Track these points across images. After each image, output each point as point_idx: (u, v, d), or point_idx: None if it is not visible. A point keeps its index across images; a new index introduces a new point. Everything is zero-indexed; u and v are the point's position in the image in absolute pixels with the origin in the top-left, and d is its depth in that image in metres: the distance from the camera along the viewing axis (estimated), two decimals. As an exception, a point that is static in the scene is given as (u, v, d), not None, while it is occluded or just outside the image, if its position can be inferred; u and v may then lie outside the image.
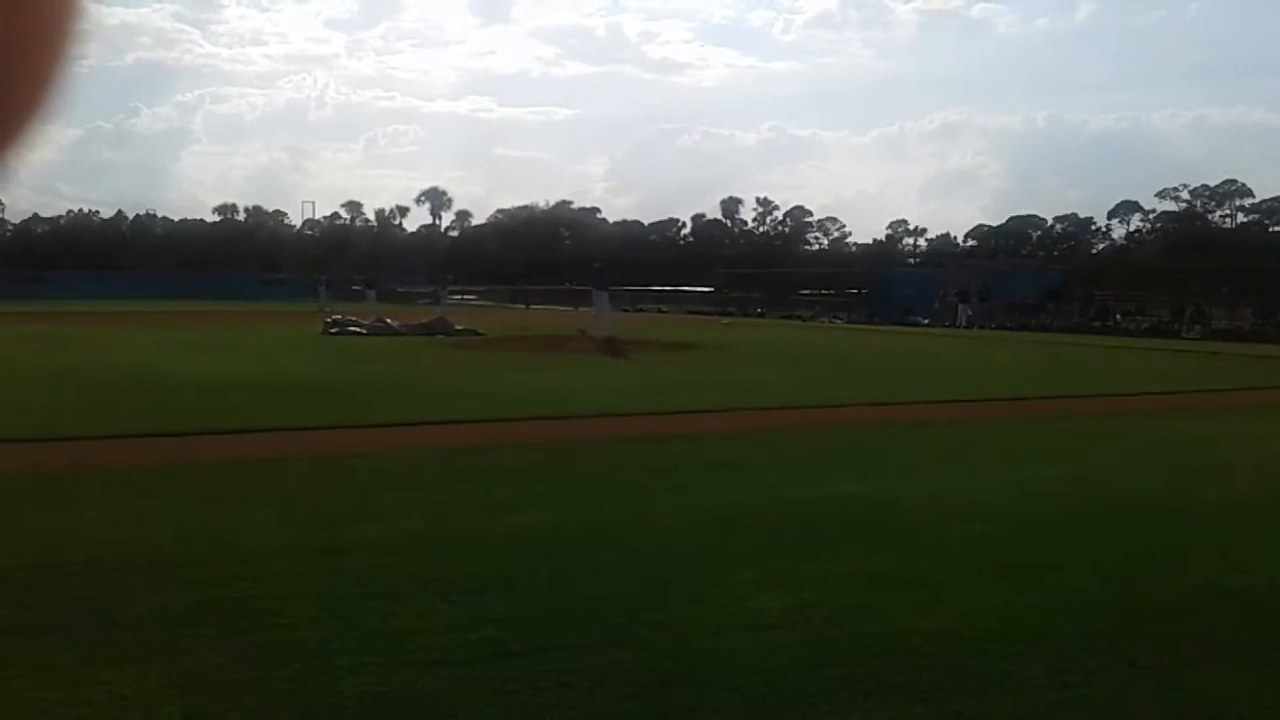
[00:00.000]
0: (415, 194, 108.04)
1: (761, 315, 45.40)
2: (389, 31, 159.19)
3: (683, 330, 28.89)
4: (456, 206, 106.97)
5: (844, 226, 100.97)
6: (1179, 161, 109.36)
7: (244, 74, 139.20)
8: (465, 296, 60.51)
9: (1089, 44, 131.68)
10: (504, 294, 63.88)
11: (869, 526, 5.72)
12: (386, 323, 25.49)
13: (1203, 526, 5.99)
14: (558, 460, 7.82)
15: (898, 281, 45.76)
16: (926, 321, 37.95)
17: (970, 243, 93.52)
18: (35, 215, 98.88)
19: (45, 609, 4.07)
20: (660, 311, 49.57)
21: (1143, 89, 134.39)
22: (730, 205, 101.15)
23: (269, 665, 3.46)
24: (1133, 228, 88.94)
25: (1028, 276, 45.41)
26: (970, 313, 37.11)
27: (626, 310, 44.11)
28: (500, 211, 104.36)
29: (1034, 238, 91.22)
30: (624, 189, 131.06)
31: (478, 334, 24.43)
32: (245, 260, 79.13)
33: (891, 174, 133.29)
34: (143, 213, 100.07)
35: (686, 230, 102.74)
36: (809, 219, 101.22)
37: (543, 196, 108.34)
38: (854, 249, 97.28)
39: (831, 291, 48.76)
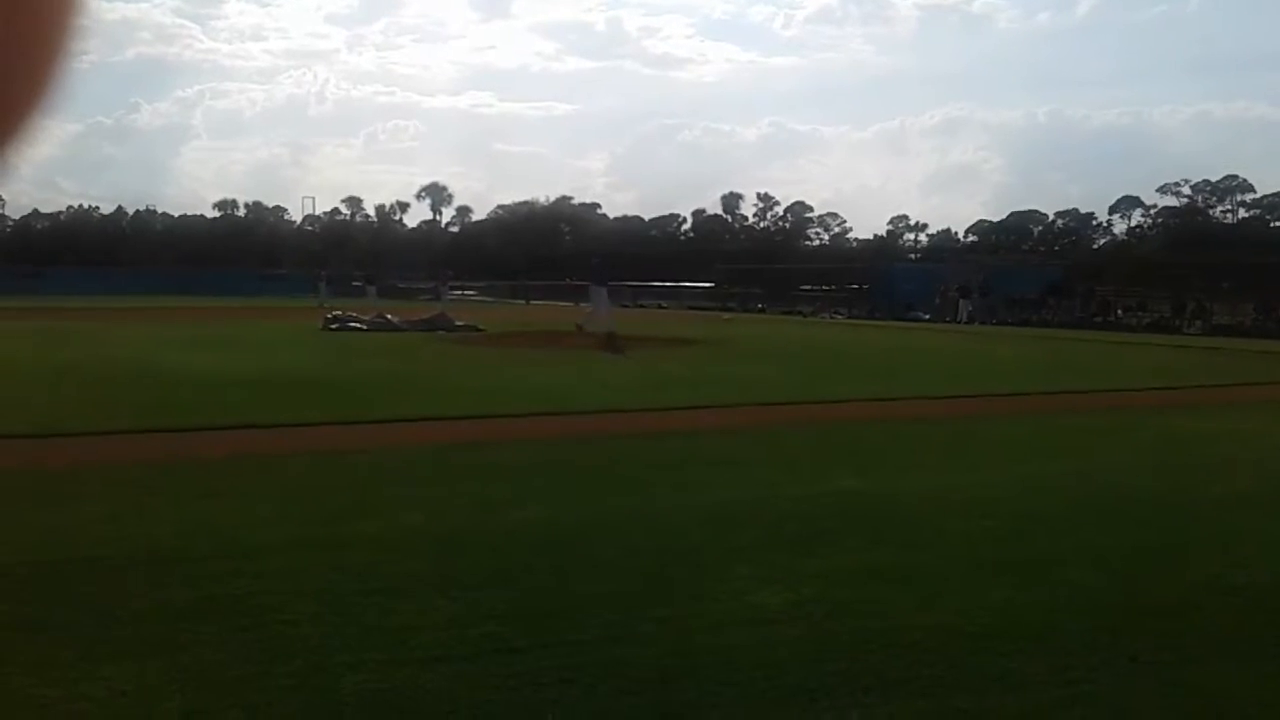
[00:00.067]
0: (415, 189, 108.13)
1: (762, 311, 45.38)
2: (389, 27, 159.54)
3: (683, 326, 28.88)
4: (457, 202, 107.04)
5: (845, 222, 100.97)
6: (1180, 157, 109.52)
7: (244, 69, 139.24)
8: (465, 292, 60.48)
9: (1090, 39, 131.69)
10: (504, 290, 63.90)
11: (869, 522, 5.72)
12: (387, 318, 25.48)
13: (1205, 522, 5.99)
14: (558, 456, 7.82)
15: (898, 277, 45.68)
16: (927, 317, 37.92)
17: (971, 238, 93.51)
18: (35, 211, 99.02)
19: (45, 605, 4.07)
20: (661, 307, 49.59)
21: (1144, 84, 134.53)
22: (731, 201, 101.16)
23: (270, 662, 3.46)
24: (1134, 223, 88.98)
25: (1029, 272, 45.36)
26: (971, 308, 37.09)
27: (626, 306, 44.12)
28: (500, 207, 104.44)
29: (1035, 233, 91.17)
30: (624, 184, 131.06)
31: (478, 330, 24.42)
32: (245, 256, 79.17)
33: (892, 169, 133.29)
34: (143, 208, 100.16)
35: (687, 226, 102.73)
36: (810, 214, 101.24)
37: (543, 192, 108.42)
38: (855, 244, 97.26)
39: (832, 287, 48.74)
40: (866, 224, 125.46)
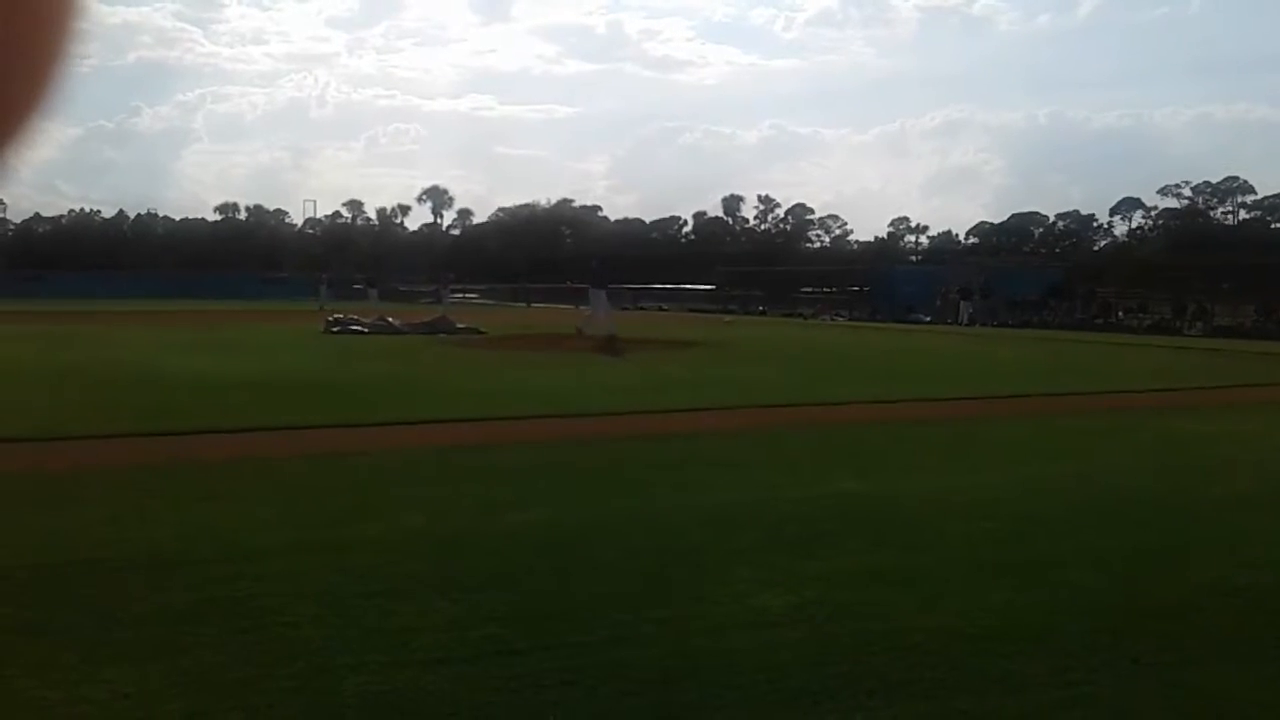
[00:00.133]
0: (416, 192, 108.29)
1: (763, 313, 45.39)
2: (390, 30, 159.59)
3: (684, 328, 28.88)
4: (458, 205, 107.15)
5: (845, 224, 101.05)
6: (1181, 158, 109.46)
7: (245, 73, 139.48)
8: (466, 295, 60.53)
9: (1090, 41, 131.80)
10: (505, 292, 63.91)
11: (870, 524, 5.72)
12: (388, 321, 25.49)
13: (1205, 523, 5.99)
14: (559, 458, 7.82)
15: (899, 279, 45.69)
16: (928, 319, 37.93)
17: (972, 240, 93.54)
18: (37, 215, 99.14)
19: (47, 608, 4.08)
20: (661, 310, 49.58)
21: (1144, 86, 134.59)
22: (732, 203, 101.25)
23: (271, 664, 3.46)
24: (1135, 225, 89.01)
25: (1029, 274, 45.34)
26: (972, 310, 37.11)
27: (627, 308, 44.11)
28: (501, 210, 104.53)
29: (1036, 235, 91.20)
30: (625, 187, 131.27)
31: (479, 332, 24.42)
32: (246, 259, 79.19)
33: (893, 171, 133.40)
34: (144, 212, 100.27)
35: (688, 228, 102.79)
36: (810, 217, 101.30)
37: (544, 195, 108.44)
38: (855, 246, 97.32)
39: (833, 289, 48.73)
40: (867, 226, 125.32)
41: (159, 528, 5.35)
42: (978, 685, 3.41)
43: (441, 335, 23.69)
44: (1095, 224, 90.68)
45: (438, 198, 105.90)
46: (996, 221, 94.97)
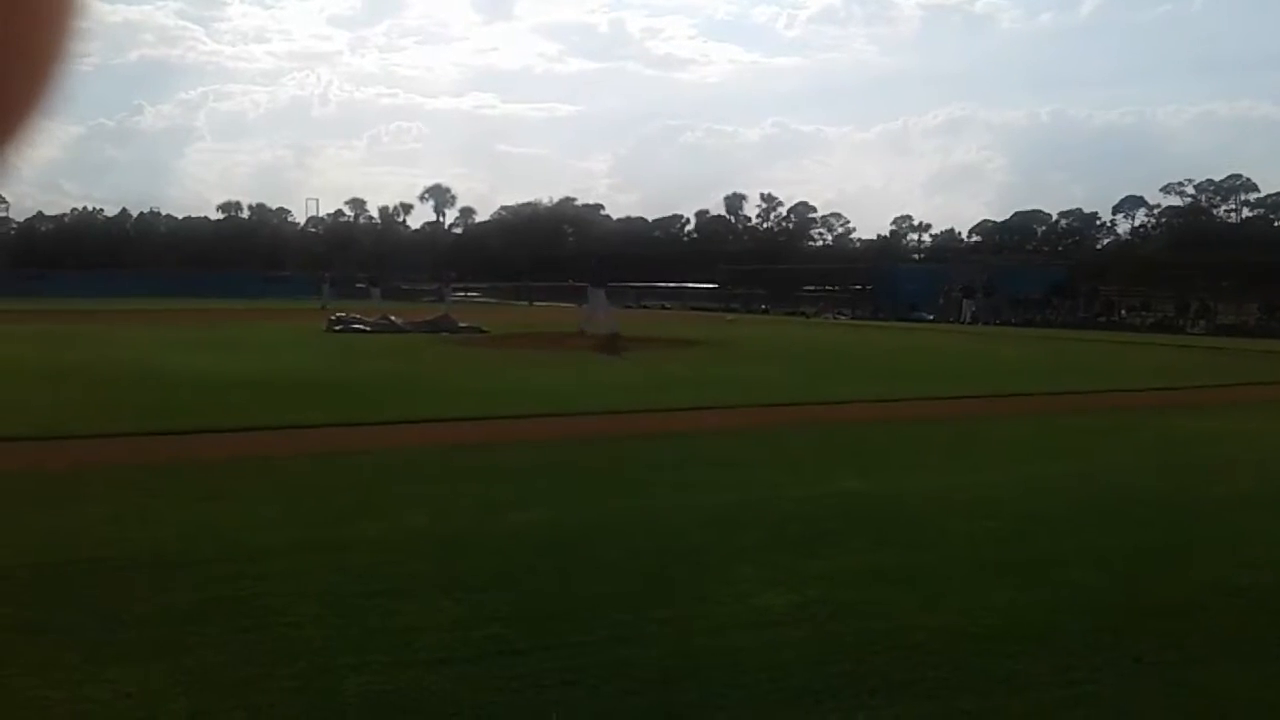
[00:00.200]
0: (419, 191, 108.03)
1: (765, 312, 45.35)
2: (392, 28, 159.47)
3: (686, 327, 28.88)
4: (460, 203, 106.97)
5: (848, 222, 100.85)
6: (1184, 156, 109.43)
7: (247, 71, 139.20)
8: (469, 294, 60.53)
9: (1093, 39, 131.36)
10: (508, 291, 63.89)
11: (873, 523, 5.72)
12: (390, 320, 25.50)
13: (1208, 522, 5.98)
14: (561, 457, 7.82)
15: (902, 277, 45.65)
16: (931, 317, 37.88)
17: (975, 238, 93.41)
18: (39, 213, 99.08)
19: (49, 608, 4.08)
20: (664, 308, 49.58)
21: (1147, 84, 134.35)
22: (734, 201, 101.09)
23: (273, 663, 3.46)
24: (1137, 223, 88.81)
25: (1032, 272, 45.29)
26: (975, 308, 37.06)
27: (630, 307, 44.12)
28: (504, 208, 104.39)
29: (1039, 233, 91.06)
30: (627, 185, 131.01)
31: (481, 331, 24.42)
32: (249, 258, 79.17)
33: (895, 169, 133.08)
34: (146, 210, 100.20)
35: (690, 227, 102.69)
36: (813, 215, 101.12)
37: (546, 193, 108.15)
38: (858, 245, 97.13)
39: (836, 288, 48.69)
40: (870, 224, 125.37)
41: (161, 527, 5.35)
42: (980, 684, 3.41)
43: (444, 334, 23.70)
44: (1098, 222, 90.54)
45: (440, 196, 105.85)
46: (999, 220, 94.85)
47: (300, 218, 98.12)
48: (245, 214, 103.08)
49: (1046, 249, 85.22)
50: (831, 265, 68.06)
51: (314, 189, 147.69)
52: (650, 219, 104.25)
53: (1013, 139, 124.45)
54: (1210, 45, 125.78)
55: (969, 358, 19.76)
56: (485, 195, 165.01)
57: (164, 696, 3.22)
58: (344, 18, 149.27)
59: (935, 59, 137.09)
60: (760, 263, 64.77)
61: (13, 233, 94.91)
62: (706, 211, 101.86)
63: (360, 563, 4.68)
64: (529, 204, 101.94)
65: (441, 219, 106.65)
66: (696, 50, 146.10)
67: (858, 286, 46.83)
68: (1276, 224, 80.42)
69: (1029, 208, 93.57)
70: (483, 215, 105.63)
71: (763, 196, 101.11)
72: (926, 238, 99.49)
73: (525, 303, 56.52)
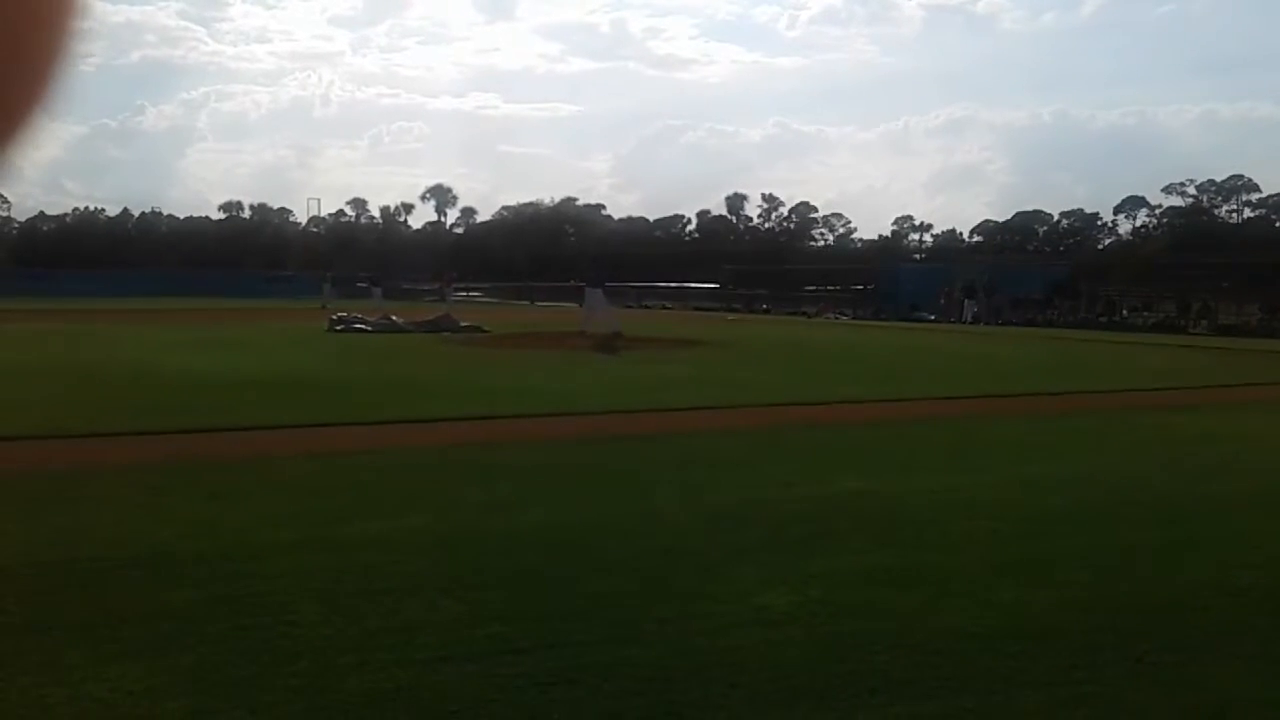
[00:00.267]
0: (420, 191, 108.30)
1: (767, 312, 45.36)
2: (393, 29, 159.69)
3: (687, 327, 28.87)
4: (461, 203, 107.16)
5: (849, 222, 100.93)
6: (1185, 157, 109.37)
7: (249, 71, 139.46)
8: (470, 293, 60.52)
9: (1095, 39, 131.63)
10: (509, 291, 63.90)
11: (874, 523, 5.71)
12: (392, 320, 25.52)
13: (1209, 522, 5.98)
14: (562, 457, 7.82)
15: (903, 277, 45.63)
16: (933, 317, 37.87)
17: (976, 238, 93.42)
18: (41, 213, 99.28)
19: (50, 607, 4.08)
20: (665, 308, 49.59)
21: (1149, 84, 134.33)
22: (735, 202, 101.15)
23: (274, 662, 3.47)
24: (1139, 223, 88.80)
25: (1034, 272, 45.31)
26: (976, 308, 37.06)
27: (631, 307, 44.14)
28: (505, 208, 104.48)
29: (1040, 233, 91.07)
30: (629, 186, 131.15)
31: (483, 331, 24.43)
32: (250, 258, 79.22)
33: (897, 170, 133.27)
34: (148, 210, 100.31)
35: (692, 227, 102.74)
36: (814, 215, 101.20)
37: (547, 193, 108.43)
38: (859, 245, 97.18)
39: (837, 288, 48.68)
40: (871, 224, 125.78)
41: (163, 526, 5.36)
42: (983, 684, 3.41)
43: (445, 333, 23.71)
44: (1100, 222, 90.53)
45: (441, 196, 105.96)
46: (1001, 220, 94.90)
47: (302, 218, 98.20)
48: (247, 214, 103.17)
49: (1048, 249, 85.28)
50: (833, 265, 68.11)
51: (316, 189, 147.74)
52: (652, 219, 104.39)
53: (1014, 139, 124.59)
54: (1212, 45, 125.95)
55: (970, 358, 19.75)
56: (487, 195, 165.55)
57: (165, 695, 3.23)
58: (345, 18, 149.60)
59: (937, 59, 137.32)
60: (761, 263, 64.85)
61: (15, 232, 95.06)
62: (708, 211, 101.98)
63: (361, 562, 4.68)
64: (530, 204, 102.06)
65: (443, 219, 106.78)
66: (698, 50, 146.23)
67: (859, 286, 46.85)
68: (1278, 224, 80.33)
69: (1030, 208, 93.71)
70: (484, 215, 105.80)
71: (764, 196, 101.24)
72: (928, 238, 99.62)
73: (526, 302, 56.52)
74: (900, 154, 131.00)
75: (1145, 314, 35.02)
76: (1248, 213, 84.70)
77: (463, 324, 25.42)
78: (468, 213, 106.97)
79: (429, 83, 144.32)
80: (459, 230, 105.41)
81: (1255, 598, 4.46)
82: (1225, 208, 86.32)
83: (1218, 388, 14.64)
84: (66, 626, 3.83)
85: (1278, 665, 3.70)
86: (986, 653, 3.66)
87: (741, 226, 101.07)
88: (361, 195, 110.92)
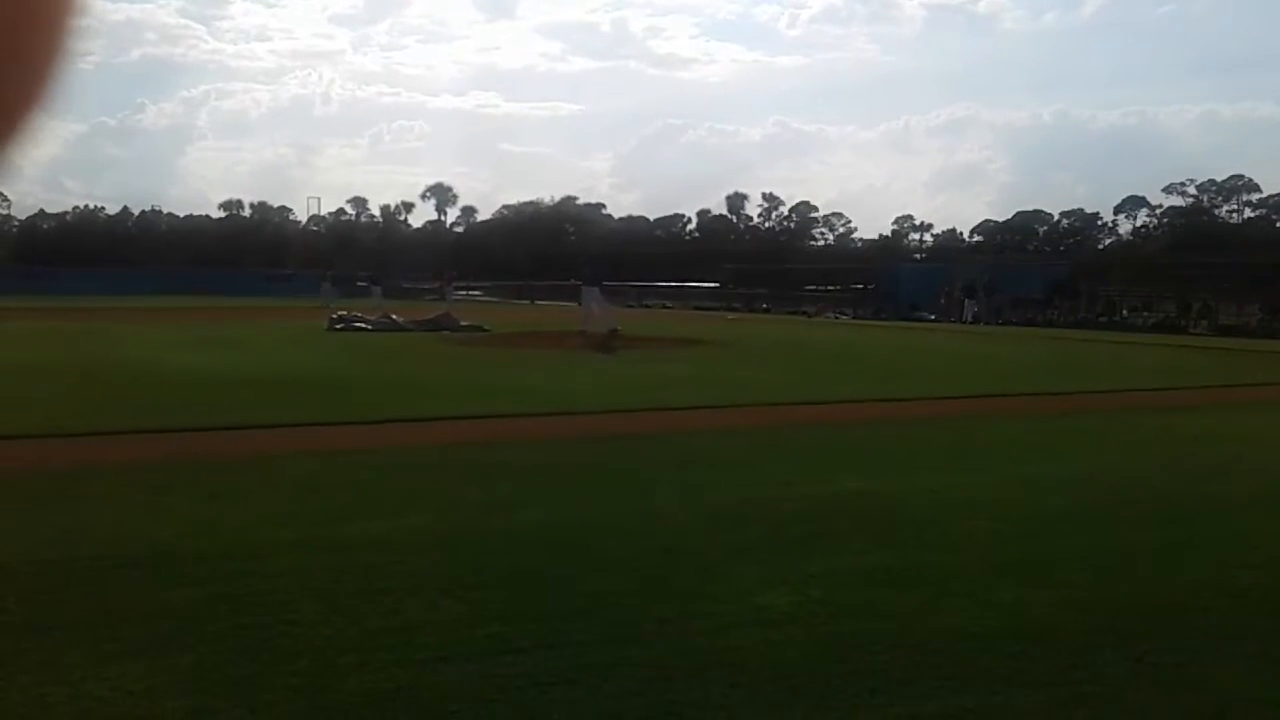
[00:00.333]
0: (421, 190, 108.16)
1: (767, 311, 45.35)
2: (394, 27, 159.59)
3: (688, 326, 28.88)
4: (462, 202, 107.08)
5: (850, 222, 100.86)
6: (1186, 157, 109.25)
7: (249, 70, 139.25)
8: (470, 292, 60.52)
9: (1096, 39, 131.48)
10: (509, 290, 63.89)
11: (874, 522, 5.71)
12: (392, 319, 25.52)
13: (1210, 523, 5.98)
14: (562, 456, 7.82)
15: (904, 277, 45.63)
16: (933, 317, 37.86)
17: (976, 238, 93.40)
18: (41, 211, 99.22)
19: (51, 605, 4.08)
20: (666, 308, 49.59)
21: (1149, 84, 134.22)
22: (736, 201, 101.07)
23: (275, 661, 3.47)
24: (1139, 223, 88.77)
25: (1034, 272, 45.27)
26: (976, 308, 37.05)
27: (631, 306, 44.13)
28: (505, 207, 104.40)
29: (1040, 233, 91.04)
30: (629, 185, 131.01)
31: (483, 330, 24.43)
32: (250, 256, 79.19)
33: (898, 169, 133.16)
34: (148, 209, 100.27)
35: (692, 226, 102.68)
36: (814, 214, 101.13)
37: (548, 192, 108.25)
38: (860, 244, 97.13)
39: (837, 287, 48.69)
40: (872, 224, 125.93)
41: (163, 525, 5.36)
42: (982, 684, 3.40)
43: (445, 332, 23.71)
44: (1100, 222, 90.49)
45: (442, 195, 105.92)
46: (1001, 219, 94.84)
47: (302, 216, 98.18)
48: (247, 212, 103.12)
49: (1048, 249, 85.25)
50: (833, 265, 68.12)
51: (316, 187, 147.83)
52: (652, 218, 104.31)
53: (1015, 139, 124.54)
54: (1212, 46, 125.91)
55: (970, 358, 19.75)
56: (487, 194, 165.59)
57: (165, 694, 3.23)
58: (346, 16, 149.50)
59: (938, 59, 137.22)
60: (762, 262, 64.80)
61: (15, 230, 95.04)
62: (708, 211, 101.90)
63: (361, 561, 4.68)
64: (531, 203, 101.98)
65: (443, 218, 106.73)
66: (699, 50, 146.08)
67: (859, 286, 46.83)
68: (1278, 224, 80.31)
69: (1031, 207, 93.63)
70: (484, 214, 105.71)
71: (764, 196, 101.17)
72: (928, 237, 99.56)
73: (527, 302, 56.52)
74: (901, 153, 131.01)
75: (1145, 314, 35.01)
76: (1248, 213, 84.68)
77: (463, 323, 25.43)
78: (468, 212, 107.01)
79: (429, 81, 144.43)
80: (459, 229, 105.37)
81: (1255, 598, 4.46)
82: (1225, 208, 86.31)
83: (1218, 388, 14.65)
84: (67, 625, 3.83)
85: (1278, 666, 3.70)
86: (986, 653, 3.66)
87: (742, 226, 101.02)
88: (362, 194, 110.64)
